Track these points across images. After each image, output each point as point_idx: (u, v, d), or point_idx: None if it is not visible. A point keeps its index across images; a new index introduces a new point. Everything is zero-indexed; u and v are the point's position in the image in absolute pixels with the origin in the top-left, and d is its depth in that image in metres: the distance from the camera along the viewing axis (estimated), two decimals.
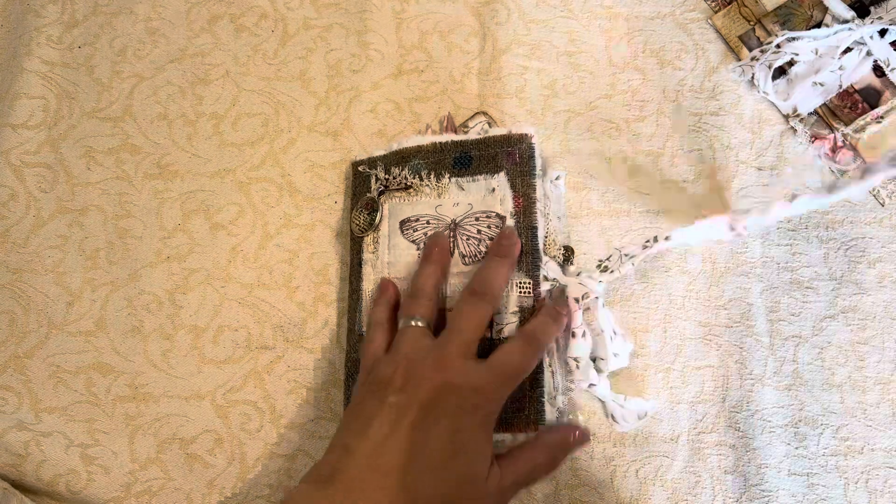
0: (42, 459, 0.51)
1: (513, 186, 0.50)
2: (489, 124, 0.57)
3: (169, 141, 0.59)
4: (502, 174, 0.50)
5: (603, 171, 0.57)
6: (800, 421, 0.50)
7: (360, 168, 0.54)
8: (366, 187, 0.53)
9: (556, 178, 0.55)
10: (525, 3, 0.61)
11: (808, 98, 0.57)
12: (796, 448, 0.50)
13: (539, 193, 0.50)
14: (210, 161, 0.58)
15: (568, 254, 0.53)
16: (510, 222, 0.49)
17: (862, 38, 0.57)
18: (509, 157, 0.51)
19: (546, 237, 0.51)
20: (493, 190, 0.50)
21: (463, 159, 0.51)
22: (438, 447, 0.38)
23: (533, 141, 0.51)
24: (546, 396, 0.46)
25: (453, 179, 0.51)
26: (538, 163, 0.51)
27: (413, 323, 0.45)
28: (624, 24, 0.60)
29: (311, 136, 0.58)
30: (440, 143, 0.52)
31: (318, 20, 0.61)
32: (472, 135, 0.53)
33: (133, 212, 0.57)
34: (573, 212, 0.56)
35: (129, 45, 0.61)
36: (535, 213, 0.50)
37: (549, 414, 0.47)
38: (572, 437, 0.45)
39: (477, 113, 0.57)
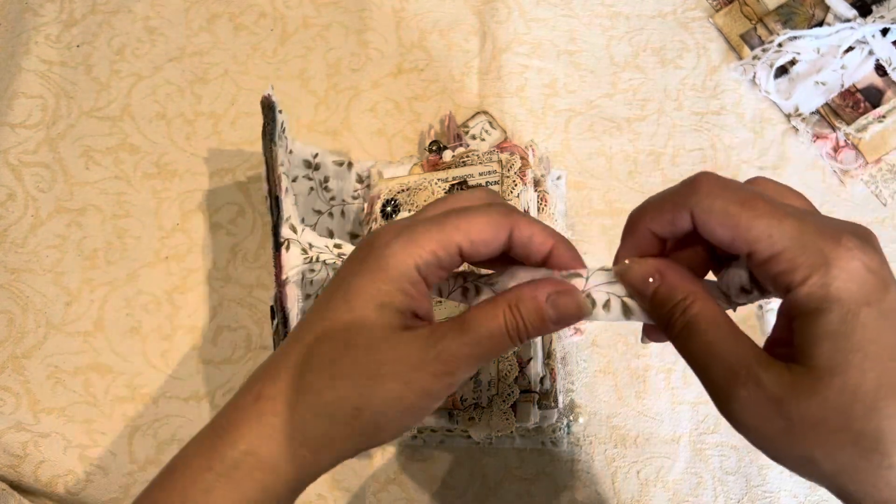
0: (40, 460, 0.51)
1: (266, 162, 0.46)
2: (490, 123, 0.56)
3: (167, 140, 0.58)
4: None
5: (604, 170, 0.57)
6: None
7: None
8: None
9: (558, 178, 0.55)
10: (525, 1, 0.60)
11: (809, 97, 0.57)
12: None
13: (281, 159, 0.46)
14: (209, 160, 0.58)
15: None
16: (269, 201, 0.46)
17: (864, 36, 0.56)
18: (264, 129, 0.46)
19: None
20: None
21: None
22: None
23: (273, 99, 0.45)
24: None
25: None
26: (278, 127, 0.46)
27: None
28: (625, 22, 0.60)
29: (311, 136, 0.58)
30: None
31: (317, 19, 0.61)
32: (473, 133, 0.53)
33: (131, 211, 0.57)
34: (574, 211, 0.55)
35: (128, 44, 0.61)
36: (276, 181, 0.45)
37: (551, 417, 0.47)
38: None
39: (477, 112, 0.57)
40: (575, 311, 0.30)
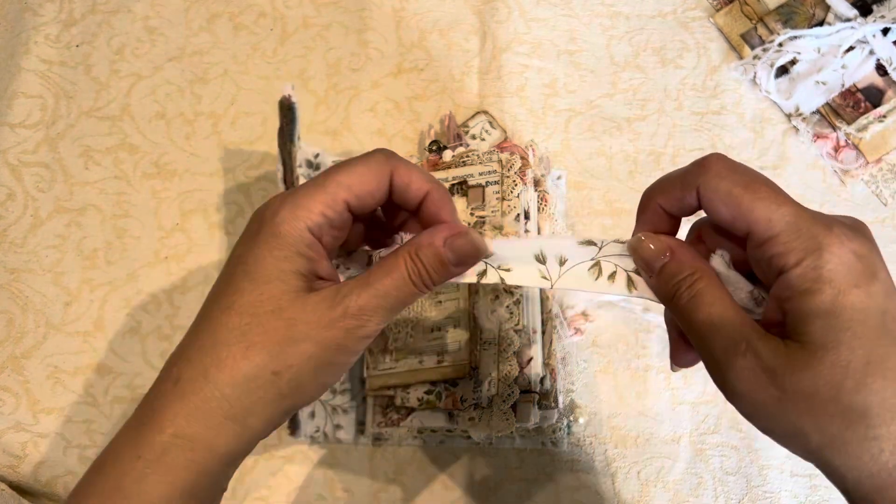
0: (40, 461, 0.51)
1: (283, 162, 0.46)
2: (490, 123, 0.56)
3: (167, 140, 0.58)
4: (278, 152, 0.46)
5: (604, 170, 0.56)
6: None
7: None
8: None
9: (558, 178, 0.55)
10: (525, 1, 0.60)
11: (810, 97, 0.57)
12: None
13: (300, 160, 0.46)
14: (208, 160, 0.58)
15: None
16: None
17: (864, 36, 0.56)
18: (281, 129, 0.46)
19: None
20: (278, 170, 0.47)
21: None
22: None
23: (293, 100, 0.45)
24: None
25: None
26: (297, 127, 0.46)
27: None
28: (625, 22, 0.60)
29: (311, 136, 0.58)
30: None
31: (317, 18, 0.61)
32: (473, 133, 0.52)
33: (131, 211, 0.57)
34: (574, 211, 0.55)
35: (128, 44, 0.61)
36: (295, 182, 0.45)
37: (551, 417, 0.47)
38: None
39: (478, 112, 0.57)
40: (472, 251, 0.31)
